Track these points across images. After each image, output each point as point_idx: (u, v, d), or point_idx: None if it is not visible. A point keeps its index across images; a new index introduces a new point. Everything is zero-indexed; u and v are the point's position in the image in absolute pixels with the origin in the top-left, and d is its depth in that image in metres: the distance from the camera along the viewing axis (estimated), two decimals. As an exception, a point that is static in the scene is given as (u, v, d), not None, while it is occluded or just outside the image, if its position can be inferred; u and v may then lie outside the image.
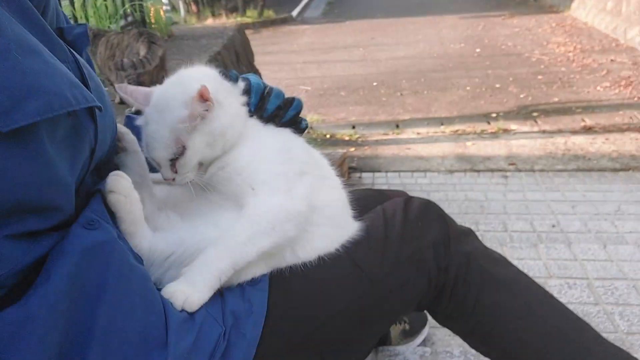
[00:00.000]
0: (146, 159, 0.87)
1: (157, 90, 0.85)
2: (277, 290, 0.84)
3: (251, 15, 10.08)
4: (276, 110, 0.92)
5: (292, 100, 0.93)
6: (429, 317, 1.29)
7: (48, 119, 0.59)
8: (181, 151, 0.80)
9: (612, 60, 5.99)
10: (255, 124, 0.89)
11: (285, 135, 0.92)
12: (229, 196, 0.85)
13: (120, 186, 0.76)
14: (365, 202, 1.01)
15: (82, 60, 0.73)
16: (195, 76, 0.86)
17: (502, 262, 0.98)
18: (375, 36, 8.46)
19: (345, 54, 7.45)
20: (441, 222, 0.96)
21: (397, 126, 4.75)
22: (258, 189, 0.82)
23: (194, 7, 10.48)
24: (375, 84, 5.90)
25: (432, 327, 1.40)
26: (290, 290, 0.85)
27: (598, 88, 5.19)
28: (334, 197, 0.92)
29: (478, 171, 3.62)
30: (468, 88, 5.56)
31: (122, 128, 0.87)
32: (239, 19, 9.68)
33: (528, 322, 0.92)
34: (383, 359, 1.27)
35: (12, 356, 0.60)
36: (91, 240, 0.68)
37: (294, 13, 10.83)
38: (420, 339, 1.36)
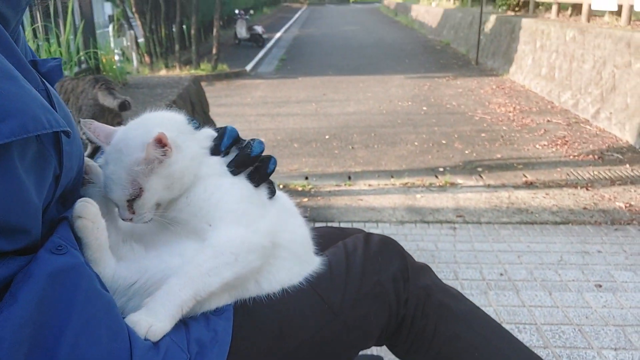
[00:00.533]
0: None
1: (119, 130, 0.86)
2: (241, 319, 0.84)
3: (205, 68, 10.20)
4: (244, 159, 0.90)
5: (268, 158, 0.93)
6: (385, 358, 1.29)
7: (20, 140, 0.60)
8: (138, 193, 0.80)
9: (548, 120, 6.40)
10: (215, 163, 0.89)
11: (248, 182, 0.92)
12: (192, 232, 0.85)
13: (89, 212, 0.76)
14: (326, 239, 1.03)
15: (52, 90, 0.74)
16: (157, 121, 0.87)
17: (458, 296, 1.01)
18: (326, 92, 8.71)
19: (297, 108, 7.61)
20: (400, 257, 0.99)
21: (349, 178, 4.85)
22: (215, 224, 0.83)
23: (147, 59, 10.52)
24: (327, 137, 6.04)
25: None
26: (255, 320, 0.85)
27: (537, 146, 5.51)
28: (297, 232, 0.94)
29: (428, 222, 3.72)
30: (416, 143, 5.78)
31: (89, 161, 0.87)
32: (192, 71, 9.78)
33: (485, 353, 0.95)
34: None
35: None
36: (59, 265, 0.67)
37: (248, 67, 11.05)
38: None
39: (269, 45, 14.38)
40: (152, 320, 0.75)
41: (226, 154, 0.89)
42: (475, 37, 10.97)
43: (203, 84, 5.21)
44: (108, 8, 12.39)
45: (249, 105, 7.86)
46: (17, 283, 0.64)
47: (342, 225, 3.56)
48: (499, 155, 5.29)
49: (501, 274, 2.34)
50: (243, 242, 0.82)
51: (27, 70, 0.69)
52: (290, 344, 0.86)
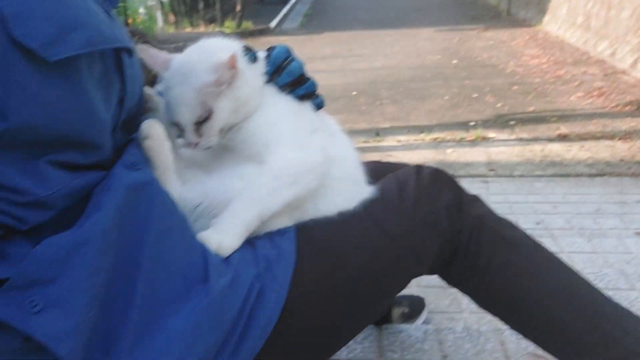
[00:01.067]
0: None
1: (178, 57, 0.87)
2: (303, 239, 0.87)
3: (229, 26, 10.10)
4: (286, 85, 0.94)
5: (305, 80, 0.95)
6: (427, 303, 1.31)
7: (88, 53, 0.60)
8: (207, 115, 0.82)
9: (583, 71, 6.18)
10: (269, 90, 0.91)
11: (301, 103, 0.96)
12: (249, 157, 0.87)
13: (155, 132, 0.78)
14: (374, 172, 1.03)
15: (112, 13, 0.75)
16: (221, 45, 0.88)
17: (511, 225, 1.01)
18: (353, 47, 8.56)
19: (323, 64, 7.51)
20: (453, 188, 0.99)
21: (378, 134, 4.80)
22: (272, 147, 0.85)
23: (171, 17, 10.46)
24: (354, 93, 5.97)
25: (430, 312, 1.42)
26: (317, 240, 0.88)
27: (572, 98, 5.35)
28: (349, 152, 0.96)
29: (459, 176, 3.68)
30: (446, 97, 5.67)
31: (148, 89, 0.88)
32: (217, 29, 9.69)
33: (538, 280, 0.96)
34: (387, 337, 1.28)
35: (65, 278, 0.62)
36: (136, 179, 0.70)
37: (272, 24, 10.89)
38: (419, 321, 1.38)
39: (292, 0, 14.12)
40: (222, 237, 0.79)
41: (277, 75, 0.92)
42: (506, -14, 10.55)
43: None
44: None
45: (275, 62, 7.78)
46: (97, 194, 0.67)
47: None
48: (532, 108, 5.17)
49: (537, 223, 2.32)
50: (300, 163, 0.85)
51: None
52: (348, 267, 0.88)
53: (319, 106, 0.96)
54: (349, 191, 0.93)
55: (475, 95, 5.69)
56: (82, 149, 0.66)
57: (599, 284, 1.57)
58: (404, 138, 4.66)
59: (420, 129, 4.87)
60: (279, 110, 0.89)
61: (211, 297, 0.73)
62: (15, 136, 0.57)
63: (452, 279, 1.01)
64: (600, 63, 6.49)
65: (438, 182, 0.98)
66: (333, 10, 12.63)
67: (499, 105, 5.32)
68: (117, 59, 0.70)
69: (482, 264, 0.95)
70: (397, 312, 1.33)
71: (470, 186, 3.68)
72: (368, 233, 0.90)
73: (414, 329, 1.30)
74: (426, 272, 1.00)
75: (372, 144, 4.56)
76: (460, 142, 4.44)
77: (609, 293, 1.57)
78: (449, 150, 4.24)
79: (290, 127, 0.88)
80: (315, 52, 8.36)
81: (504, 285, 0.96)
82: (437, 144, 4.45)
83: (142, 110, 0.87)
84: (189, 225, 0.77)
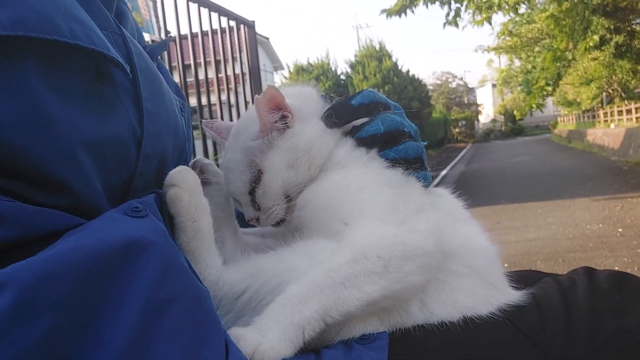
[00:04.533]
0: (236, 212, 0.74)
1: (239, 121, 0.76)
2: (401, 352, 0.58)
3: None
4: (371, 141, 0.70)
5: (402, 135, 0.71)
6: None
7: (37, 48, 0.46)
8: (257, 176, 0.64)
9: None
10: (358, 152, 0.69)
11: (397, 171, 0.71)
12: (323, 233, 0.64)
13: (185, 180, 0.59)
14: (525, 280, 0.76)
15: (131, 39, 0.64)
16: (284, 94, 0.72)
17: None
18: (500, 220, 8.20)
19: (470, 238, 7.21)
20: None
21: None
22: (354, 221, 0.61)
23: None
24: (506, 265, 5.49)
25: None
26: (423, 357, 0.58)
27: None
28: (477, 243, 0.69)
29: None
30: (616, 267, 4.96)
31: (204, 159, 0.75)
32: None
33: None
34: None
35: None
36: (135, 233, 0.49)
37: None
38: None
39: (434, 182, 14.40)
40: (262, 339, 0.52)
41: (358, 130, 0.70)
42: (670, 151, 9.77)
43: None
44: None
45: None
46: (67, 236, 0.48)
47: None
48: None
49: None
50: (395, 242, 0.59)
51: (94, 6, 0.61)
52: None
53: (421, 180, 0.72)
54: (480, 292, 0.64)
55: (652, 264, 4.91)
56: (35, 182, 0.48)
57: None
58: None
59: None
60: (365, 179, 0.66)
61: None
62: None
63: None
64: None
65: (626, 288, 0.67)
66: (476, 188, 12.55)
67: (686, 274, 4.49)
68: (134, 88, 0.57)
69: None
70: None
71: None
72: (514, 353, 0.60)
73: None
74: None
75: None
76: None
77: None
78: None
79: (385, 197, 0.63)
80: (460, 227, 8.12)
81: None
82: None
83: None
84: (209, 306, 0.51)
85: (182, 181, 0.59)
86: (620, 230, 6.47)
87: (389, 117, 0.71)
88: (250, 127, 0.67)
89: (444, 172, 17.67)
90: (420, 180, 0.69)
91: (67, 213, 0.51)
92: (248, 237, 0.72)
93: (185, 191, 0.59)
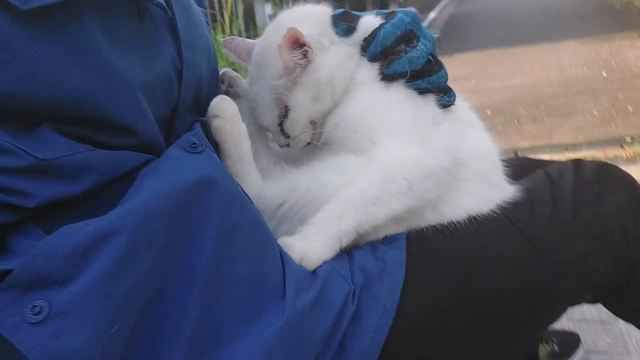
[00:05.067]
0: None
1: (258, 43, 0.77)
2: (417, 250, 0.69)
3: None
4: (402, 75, 0.75)
5: (432, 70, 0.75)
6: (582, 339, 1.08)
7: (94, 6, 0.49)
8: (284, 112, 0.70)
9: None
10: (373, 71, 0.74)
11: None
12: (352, 151, 0.71)
13: (226, 110, 0.66)
14: (521, 170, 0.84)
15: None
16: (294, 18, 0.74)
17: None
18: (486, 66, 8.18)
19: (455, 85, 7.15)
20: (627, 185, 0.76)
21: (516, 154, 4.45)
22: (382, 139, 0.69)
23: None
24: (489, 112, 5.62)
25: (587, 352, 1.18)
26: (434, 253, 0.70)
27: None
28: (483, 147, 0.77)
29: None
30: (595, 113, 5.12)
31: (232, 72, 0.79)
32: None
33: None
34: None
35: (83, 280, 0.49)
36: (200, 171, 0.57)
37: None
38: (572, 364, 1.14)
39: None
40: (308, 246, 0.64)
41: (384, 57, 0.73)
42: (666, -12, 9.43)
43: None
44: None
45: (404, 86, 7.69)
46: (143, 177, 0.56)
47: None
48: None
49: None
50: (419, 164, 0.68)
51: None
52: (478, 287, 0.69)
53: (445, 106, 0.77)
54: (483, 192, 0.74)
55: (631, 108, 5.06)
56: (105, 128, 0.54)
57: None
58: (546, 157, 4.24)
59: (565, 147, 4.43)
60: (386, 98, 0.72)
61: (288, 318, 0.57)
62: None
63: (623, 310, 0.78)
64: None
65: (605, 178, 0.76)
66: (465, 31, 12.24)
67: (661, 118, 4.66)
68: (170, 21, 0.59)
69: None
70: (544, 350, 1.10)
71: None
72: (509, 245, 0.72)
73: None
74: (588, 299, 0.78)
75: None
76: (614, 161, 3.94)
77: None
78: (601, 170, 3.77)
79: (406, 115, 0.70)
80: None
81: None
82: (585, 163, 3.99)
83: (218, 93, 0.76)
84: (263, 224, 0.62)
85: (224, 112, 0.66)
86: (604, 74, 6.52)
87: (416, 56, 0.72)
88: (273, 65, 0.69)
89: (432, 15, 17.05)
90: (449, 101, 0.74)
91: (135, 152, 0.58)
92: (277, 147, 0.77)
93: (228, 121, 0.66)
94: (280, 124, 0.71)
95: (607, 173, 0.78)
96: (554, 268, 0.70)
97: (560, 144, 4.56)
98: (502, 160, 0.80)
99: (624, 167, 3.44)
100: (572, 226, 0.71)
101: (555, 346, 1.11)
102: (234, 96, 0.75)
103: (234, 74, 0.78)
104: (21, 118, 0.49)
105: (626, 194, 0.75)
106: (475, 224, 0.71)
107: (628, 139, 4.33)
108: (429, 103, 0.75)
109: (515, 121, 5.32)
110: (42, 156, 0.49)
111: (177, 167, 0.56)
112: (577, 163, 0.80)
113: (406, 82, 0.73)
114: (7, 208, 0.50)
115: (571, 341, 1.16)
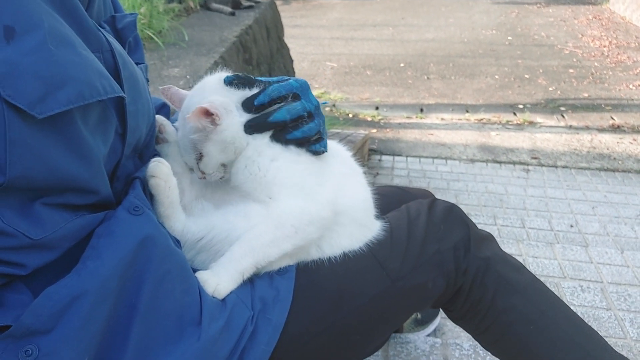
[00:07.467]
0: None
1: (188, 95, 0.90)
2: (303, 280, 0.87)
3: (282, -14, 9.96)
4: (280, 125, 0.87)
5: (307, 122, 0.88)
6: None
7: (81, 106, 0.63)
8: (199, 156, 0.85)
9: (647, 58, 5.85)
10: (269, 140, 0.88)
11: (301, 150, 0.90)
12: (254, 200, 0.88)
13: (161, 172, 0.81)
14: (388, 200, 1.03)
15: (119, 50, 0.75)
16: (213, 87, 0.88)
17: (519, 268, 0.99)
18: (405, 16, 8.34)
19: (374, 32, 7.36)
20: (463, 227, 0.98)
21: (422, 110, 4.72)
22: (275, 197, 0.86)
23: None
24: (402, 65, 5.84)
25: (443, 317, 1.42)
26: (316, 281, 0.89)
27: (630, 86, 5.09)
28: (359, 197, 0.95)
29: (500, 162, 3.61)
30: (496, 77, 5.49)
31: (163, 120, 0.90)
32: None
33: (539, 327, 0.94)
34: (394, 346, 1.30)
35: (60, 329, 0.65)
36: (139, 233, 0.72)
37: (325, -14, 10.67)
38: (431, 328, 1.39)
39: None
40: (218, 281, 0.81)
41: (268, 106, 0.86)
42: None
43: (279, 3, 5.12)
44: None
45: (324, 27, 7.69)
46: (98, 238, 0.69)
47: (410, 159, 3.52)
48: (585, 95, 4.95)
49: (571, 226, 2.26)
50: (303, 215, 0.85)
51: (88, 32, 0.70)
52: (346, 308, 0.89)
53: (315, 153, 0.89)
54: (355, 235, 0.92)
55: (527, 75, 5.49)
56: (79, 192, 0.68)
57: (622, 304, 1.53)
58: (447, 116, 4.56)
59: (466, 108, 4.76)
60: (285, 156, 0.87)
61: (203, 341, 0.75)
62: (11, 186, 0.59)
63: (454, 317, 1.02)
64: (667, 49, 6.12)
65: (450, 220, 0.97)
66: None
67: (551, 88, 5.13)
68: (118, 99, 0.71)
69: (483, 307, 0.95)
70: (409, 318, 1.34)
71: (510, 174, 3.60)
72: (370, 275, 0.90)
73: (422, 341, 1.31)
74: (429, 307, 1.01)
75: (414, 120, 4.49)
76: (505, 125, 4.32)
77: (629, 315, 1.55)
78: (493, 133, 4.14)
79: (294, 173, 0.87)
80: (366, 19, 8.19)
81: (504, 330, 0.95)
82: (481, 125, 4.35)
83: (154, 140, 0.88)
84: (187, 267, 0.79)
85: (160, 173, 0.79)
86: (510, 38, 6.93)
87: (294, 107, 0.85)
88: (191, 122, 0.80)
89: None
90: (320, 149, 0.87)
91: (94, 207, 0.72)
92: (197, 180, 0.90)
93: (162, 180, 0.80)
94: (198, 163, 0.85)
95: (451, 214, 0.99)
96: (403, 291, 0.90)
97: (462, 104, 4.87)
98: (373, 189, 0.97)
99: (513, 133, 3.79)
100: (420, 258, 0.91)
101: (418, 315, 1.36)
102: (164, 140, 0.88)
103: (165, 121, 0.88)
104: (23, 192, 0.62)
105: (462, 233, 0.95)
106: (347, 259, 0.90)
107: (520, 106, 4.73)
108: (317, 163, 0.89)
109: (425, 77, 5.58)
110: (35, 237, 0.63)
111: (124, 230, 0.70)
112: (431, 204, 0.99)
113: (286, 135, 0.86)
114: (5, 276, 0.65)
115: (432, 311, 1.43)
